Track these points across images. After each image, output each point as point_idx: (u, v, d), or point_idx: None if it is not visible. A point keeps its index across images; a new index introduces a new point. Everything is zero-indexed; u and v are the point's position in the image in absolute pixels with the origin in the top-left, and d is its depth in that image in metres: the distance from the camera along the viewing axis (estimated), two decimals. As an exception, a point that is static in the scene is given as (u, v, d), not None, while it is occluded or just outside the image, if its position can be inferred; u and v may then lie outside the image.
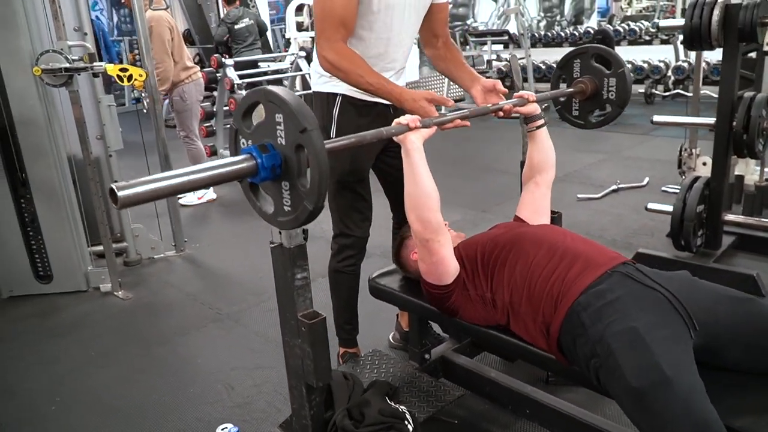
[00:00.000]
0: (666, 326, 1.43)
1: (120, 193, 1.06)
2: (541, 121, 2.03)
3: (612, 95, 2.21)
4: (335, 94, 2.04)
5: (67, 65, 2.99)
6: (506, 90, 2.03)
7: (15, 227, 3.31)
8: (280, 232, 1.65)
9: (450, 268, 1.76)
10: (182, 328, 2.97)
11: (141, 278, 3.61)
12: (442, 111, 1.94)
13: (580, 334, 1.49)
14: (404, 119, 1.66)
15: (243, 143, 1.31)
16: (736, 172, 3.92)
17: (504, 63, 9.05)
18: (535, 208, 2.02)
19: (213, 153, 6.11)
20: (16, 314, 3.23)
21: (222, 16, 8.46)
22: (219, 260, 3.81)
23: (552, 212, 2.18)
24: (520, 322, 1.68)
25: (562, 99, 2.32)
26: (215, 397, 2.38)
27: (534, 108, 2.00)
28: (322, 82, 2.06)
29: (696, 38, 2.85)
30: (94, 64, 3.07)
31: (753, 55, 3.54)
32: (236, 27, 7.86)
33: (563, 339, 1.56)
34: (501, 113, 1.92)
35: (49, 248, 3.36)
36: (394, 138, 1.67)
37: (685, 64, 7.68)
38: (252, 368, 2.54)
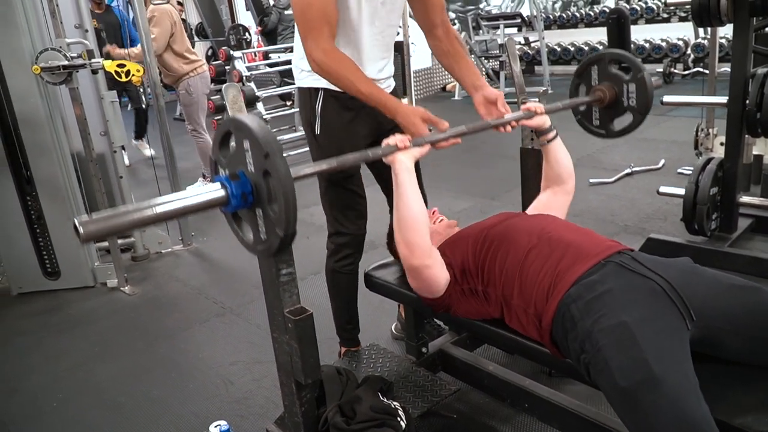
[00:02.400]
0: (659, 319, 1.36)
1: (82, 230, 1.03)
2: (553, 134, 1.94)
3: (632, 102, 2.10)
4: (317, 89, 1.95)
5: (66, 63, 2.98)
6: (508, 109, 1.90)
7: (22, 225, 3.32)
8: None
9: (441, 284, 1.70)
10: (186, 322, 2.96)
11: (148, 273, 3.61)
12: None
13: (570, 328, 1.43)
14: (392, 140, 1.59)
15: (221, 172, 1.29)
16: (755, 152, 3.80)
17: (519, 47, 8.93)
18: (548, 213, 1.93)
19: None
20: (25, 311, 3.26)
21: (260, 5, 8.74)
22: (225, 254, 3.80)
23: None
24: (513, 315, 1.63)
25: (581, 108, 2.23)
26: (214, 392, 2.37)
27: (543, 121, 1.91)
28: (303, 77, 1.98)
29: (705, 14, 2.74)
30: (92, 60, 3.06)
31: (769, 30, 3.41)
32: (286, 12, 8.21)
33: (555, 332, 1.50)
34: (503, 129, 1.83)
35: (56, 245, 3.37)
36: (384, 159, 1.60)
37: (705, 42, 7.49)
38: (252, 362, 2.53)
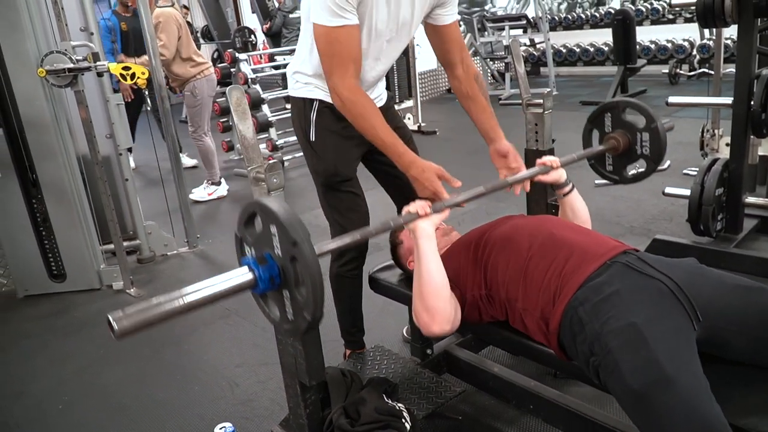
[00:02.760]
0: (667, 318, 1.36)
1: (116, 326, 1.05)
2: (569, 187, 1.92)
3: (646, 150, 2.10)
4: (312, 100, 1.95)
5: (71, 65, 2.99)
6: (521, 162, 1.93)
7: (28, 227, 3.33)
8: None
9: (457, 325, 1.69)
10: (191, 325, 2.96)
11: (154, 275, 3.62)
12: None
13: (579, 331, 1.43)
14: (413, 207, 1.59)
15: (247, 250, 1.31)
16: (760, 153, 3.78)
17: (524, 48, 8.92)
18: None
19: (230, 148, 6.14)
20: (31, 313, 3.27)
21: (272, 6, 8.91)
22: (230, 256, 3.74)
23: (555, 203, 2.11)
24: (518, 318, 1.62)
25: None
26: (219, 394, 2.37)
27: (559, 175, 1.90)
28: (299, 87, 1.97)
29: (709, 15, 2.74)
30: (97, 63, 3.07)
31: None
32: (291, 16, 8.39)
33: (563, 335, 1.49)
34: (518, 190, 1.84)
35: (62, 247, 3.39)
36: (405, 227, 1.58)
37: (710, 43, 7.47)
38: (257, 365, 2.53)
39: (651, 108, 2.06)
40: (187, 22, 6.88)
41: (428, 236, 1.61)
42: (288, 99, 7.89)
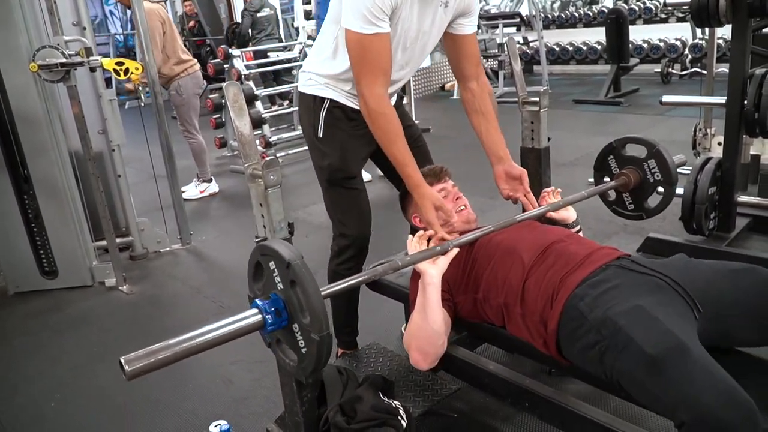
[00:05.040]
0: (669, 306, 1.39)
1: (127, 368, 1.09)
2: (575, 230, 1.97)
3: (657, 176, 2.14)
4: (323, 98, 1.94)
5: (63, 60, 2.97)
6: (527, 188, 1.95)
7: (19, 224, 3.31)
8: (264, 226, 1.61)
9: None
10: (185, 322, 2.95)
11: (146, 272, 3.61)
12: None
13: (580, 325, 1.44)
14: (425, 239, 1.65)
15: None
16: (752, 152, 3.80)
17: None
18: None
19: (222, 145, 6.11)
20: (23, 310, 3.24)
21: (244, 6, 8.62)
22: (224, 253, 3.80)
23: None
24: (515, 325, 1.64)
25: (611, 197, 2.29)
26: (214, 392, 2.37)
27: (567, 215, 1.96)
28: (311, 84, 1.97)
29: (704, 14, 2.75)
30: (90, 58, 3.04)
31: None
32: (258, 15, 8.13)
33: (561, 335, 1.51)
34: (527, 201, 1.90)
35: (54, 244, 3.36)
36: (415, 267, 1.62)
37: (703, 42, 7.50)
38: (252, 362, 2.52)
39: (647, 137, 2.13)
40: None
41: (435, 285, 1.64)
42: (281, 95, 7.79)
